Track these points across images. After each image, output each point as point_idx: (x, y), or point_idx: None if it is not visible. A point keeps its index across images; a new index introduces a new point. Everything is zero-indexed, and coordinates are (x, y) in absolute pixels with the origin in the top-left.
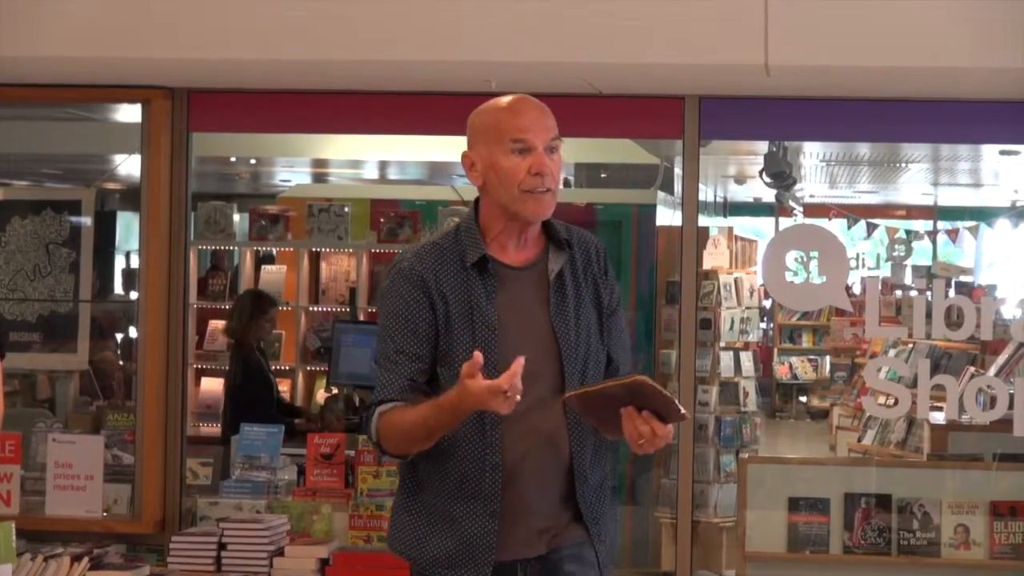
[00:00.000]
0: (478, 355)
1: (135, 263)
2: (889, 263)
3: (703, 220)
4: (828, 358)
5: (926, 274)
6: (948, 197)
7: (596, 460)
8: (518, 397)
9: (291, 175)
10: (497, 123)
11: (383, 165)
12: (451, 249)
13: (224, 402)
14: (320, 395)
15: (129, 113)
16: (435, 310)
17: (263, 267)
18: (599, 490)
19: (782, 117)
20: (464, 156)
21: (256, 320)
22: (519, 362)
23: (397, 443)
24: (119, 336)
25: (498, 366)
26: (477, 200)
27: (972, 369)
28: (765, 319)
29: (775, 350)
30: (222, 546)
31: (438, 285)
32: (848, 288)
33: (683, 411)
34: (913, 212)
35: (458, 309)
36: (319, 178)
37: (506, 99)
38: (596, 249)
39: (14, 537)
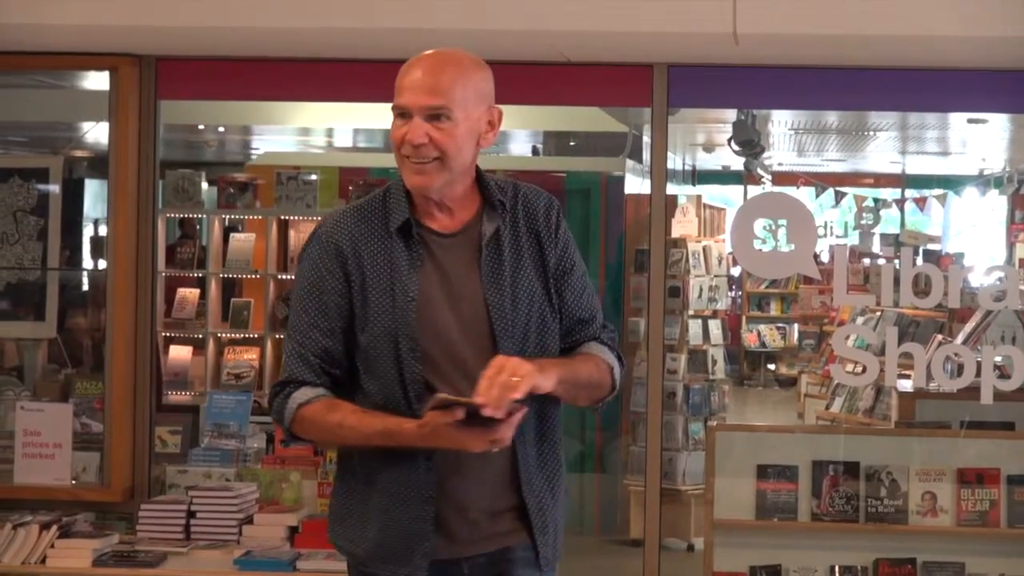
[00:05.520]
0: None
1: (103, 231)
2: (857, 231)
3: (672, 188)
4: (796, 326)
5: (894, 242)
6: (916, 165)
7: (542, 443)
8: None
9: (259, 143)
10: (396, 80)
11: (353, 133)
12: (376, 213)
13: None
14: None
15: (97, 81)
16: (349, 280)
17: (231, 235)
18: (548, 478)
19: (750, 85)
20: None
21: None
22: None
23: (321, 439)
24: (88, 304)
25: (419, 338)
26: None
27: (940, 337)
28: (733, 287)
29: (743, 318)
30: (191, 514)
31: (355, 252)
32: (816, 256)
33: (487, 409)
34: (881, 180)
35: (377, 277)
36: (288, 146)
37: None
38: (547, 206)
39: None
